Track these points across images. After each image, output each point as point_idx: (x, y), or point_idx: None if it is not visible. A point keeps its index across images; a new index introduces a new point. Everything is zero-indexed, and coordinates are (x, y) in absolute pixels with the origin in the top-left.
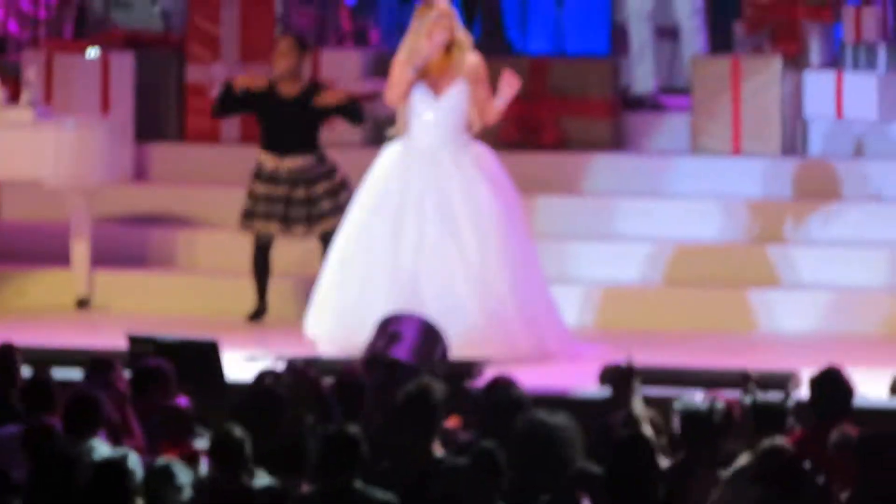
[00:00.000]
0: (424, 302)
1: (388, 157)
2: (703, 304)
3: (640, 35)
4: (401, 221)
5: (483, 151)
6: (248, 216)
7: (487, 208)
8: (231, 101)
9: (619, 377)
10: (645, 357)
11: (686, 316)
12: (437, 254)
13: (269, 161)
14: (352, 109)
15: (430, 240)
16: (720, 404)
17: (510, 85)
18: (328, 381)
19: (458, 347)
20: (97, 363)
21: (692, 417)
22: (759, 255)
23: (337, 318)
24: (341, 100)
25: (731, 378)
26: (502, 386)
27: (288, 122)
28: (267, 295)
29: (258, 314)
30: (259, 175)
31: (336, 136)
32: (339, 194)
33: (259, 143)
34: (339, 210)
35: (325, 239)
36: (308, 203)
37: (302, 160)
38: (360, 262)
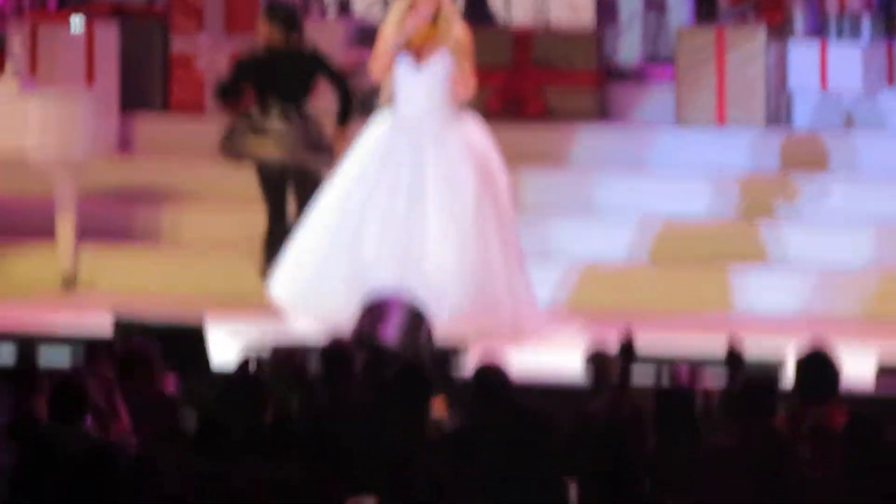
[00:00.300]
0: (383, 281)
1: (374, 129)
2: (689, 282)
3: (629, 5)
4: (374, 196)
5: (470, 125)
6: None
7: (464, 188)
8: (234, 91)
9: (602, 361)
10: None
11: (671, 294)
12: (401, 232)
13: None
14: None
15: (397, 217)
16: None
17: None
18: (313, 364)
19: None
20: (84, 349)
21: (669, 399)
22: (745, 231)
23: (300, 284)
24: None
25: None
26: (489, 373)
27: (279, 74)
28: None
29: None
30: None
31: (319, 107)
32: (320, 148)
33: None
34: (319, 157)
35: (302, 185)
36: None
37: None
38: (330, 232)
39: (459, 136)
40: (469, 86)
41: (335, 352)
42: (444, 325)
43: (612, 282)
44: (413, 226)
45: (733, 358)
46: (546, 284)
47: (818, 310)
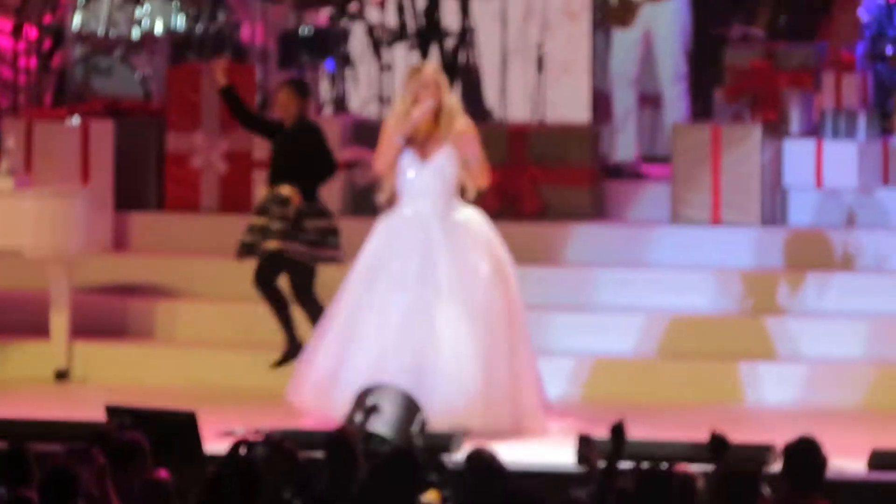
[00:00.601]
0: (400, 374)
1: (380, 228)
2: (686, 376)
3: (624, 102)
4: (386, 292)
5: (475, 215)
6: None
7: (474, 278)
8: (240, 107)
9: (589, 451)
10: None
11: (670, 388)
12: (416, 325)
13: (266, 190)
14: (325, 158)
15: (411, 311)
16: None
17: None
18: (306, 452)
19: (435, 419)
20: (77, 438)
21: (649, 481)
22: (742, 327)
23: (316, 386)
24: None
25: (705, 448)
26: (482, 458)
27: (286, 153)
28: (294, 328)
29: (291, 354)
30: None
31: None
32: (326, 236)
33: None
34: (318, 244)
35: (292, 269)
36: (292, 222)
37: (291, 191)
38: (345, 329)
39: (466, 228)
40: (484, 176)
41: (339, 440)
42: (455, 416)
43: (619, 376)
44: (427, 317)
45: (716, 444)
46: (551, 379)
47: (818, 401)
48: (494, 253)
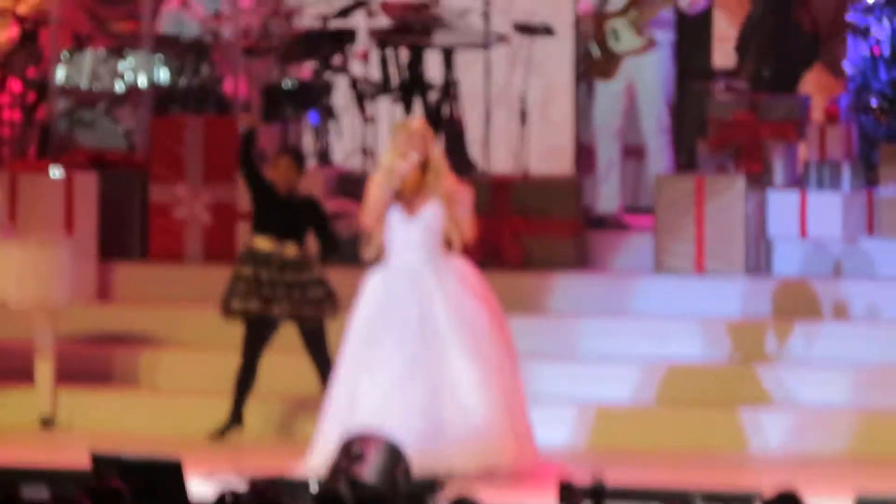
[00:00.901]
0: (409, 422)
1: (371, 285)
2: (669, 424)
3: (607, 153)
4: (390, 345)
5: (463, 264)
6: (227, 299)
7: (474, 322)
8: (252, 158)
9: (572, 499)
10: (615, 476)
11: (656, 435)
12: (422, 374)
13: (266, 244)
14: (328, 235)
15: (415, 361)
16: None
17: (464, 197)
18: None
19: (449, 461)
20: (62, 486)
21: None
22: (739, 375)
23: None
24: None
25: (680, 497)
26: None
27: (285, 217)
28: (244, 405)
29: (232, 424)
30: (249, 258)
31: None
32: (326, 299)
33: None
34: (324, 303)
35: (308, 334)
36: (296, 287)
37: (298, 251)
38: (351, 392)
39: (456, 276)
40: (472, 231)
41: (329, 494)
42: (473, 457)
43: (604, 423)
44: (433, 365)
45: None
46: (542, 426)
47: (807, 448)
48: (484, 295)
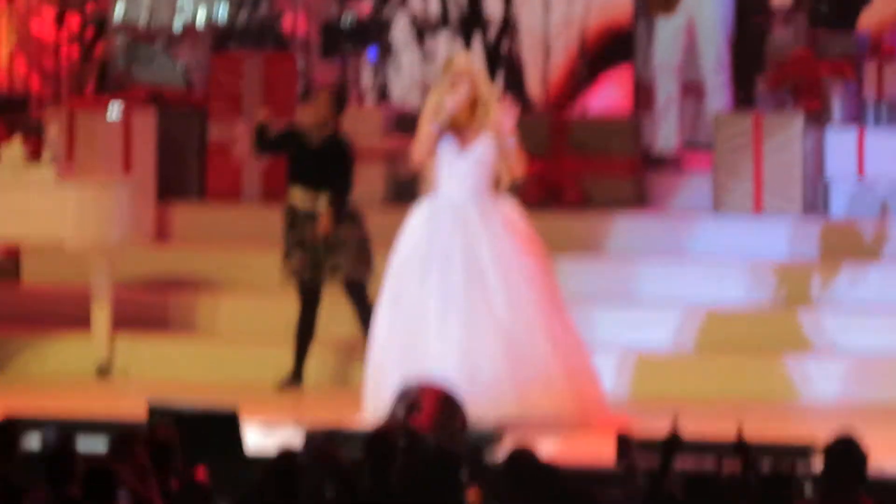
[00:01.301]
0: (452, 362)
1: (416, 216)
2: (730, 371)
3: (666, 90)
4: (427, 280)
5: (511, 209)
6: (283, 261)
7: (517, 264)
8: (267, 141)
9: (630, 451)
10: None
11: (714, 383)
12: (465, 311)
13: (301, 197)
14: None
15: (457, 297)
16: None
17: (509, 115)
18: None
19: (491, 407)
20: (119, 437)
21: (698, 482)
22: (786, 319)
23: (382, 387)
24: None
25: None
26: (523, 456)
27: (315, 166)
28: (304, 363)
29: (293, 381)
30: (291, 216)
31: (356, 193)
32: (363, 245)
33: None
34: (360, 258)
35: (351, 289)
36: (334, 247)
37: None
38: (398, 325)
39: (502, 217)
40: (521, 165)
41: (379, 440)
42: (507, 406)
43: (654, 371)
44: (474, 304)
45: (742, 447)
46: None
47: (858, 396)
48: (531, 242)
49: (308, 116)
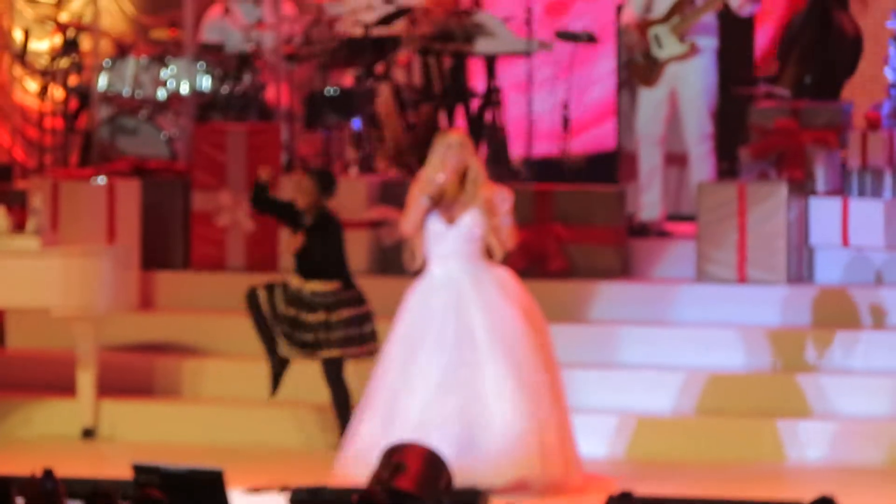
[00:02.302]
0: (446, 433)
1: (410, 296)
2: (712, 434)
3: (650, 161)
4: (427, 356)
5: (504, 274)
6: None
7: (511, 331)
8: (266, 199)
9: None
10: (653, 488)
11: (702, 446)
12: (458, 384)
13: (295, 281)
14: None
15: (452, 370)
16: None
17: (504, 199)
18: None
19: (482, 473)
20: (97, 495)
21: None
22: (771, 384)
23: (361, 455)
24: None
25: None
26: None
27: (307, 248)
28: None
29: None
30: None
31: None
32: (363, 324)
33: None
34: (358, 340)
35: (326, 363)
36: (323, 327)
37: (326, 285)
38: (390, 400)
39: (496, 284)
40: (512, 238)
41: (364, 500)
42: (510, 469)
43: (645, 433)
44: (469, 375)
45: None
46: (580, 436)
47: (847, 459)
48: (525, 305)
49: (299, 203)
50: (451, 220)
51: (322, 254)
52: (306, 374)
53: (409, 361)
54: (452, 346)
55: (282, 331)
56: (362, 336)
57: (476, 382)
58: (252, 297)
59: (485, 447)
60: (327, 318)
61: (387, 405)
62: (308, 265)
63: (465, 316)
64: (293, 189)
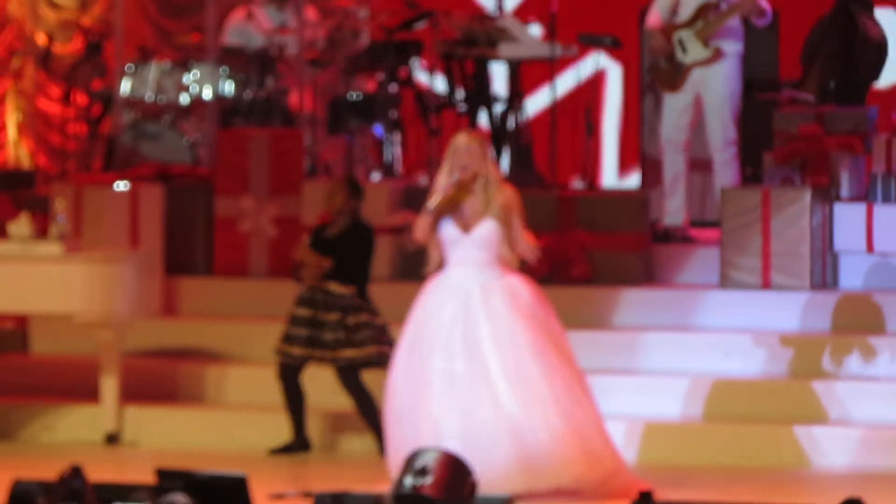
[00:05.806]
0: (451, 439)
1: (424, 296)
2: (735, 440)
3: (673, 167)
4: (430, 358)
5: (517, 282)
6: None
7: (518, 341)
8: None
9: None
10: (670, 494)
11: (720, 452)
12: (465, 390)
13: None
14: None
15: (457, 376)
16: None
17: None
18: None
19: (496, 482)
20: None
21: None
22: (791, 390)
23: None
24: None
25: None
26: None
27: (339, 253)
28: (305, 428)
29: (294, 447)
30: (299, 299)
31: None
32: (381, 332)
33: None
34: (371, 342)
35: (342, 370)
36: (340, 328)
37: (343, 288)
38: (408, 402)
39: (504, 292)
40: (530, 245)
41: None
42: (512, 484)
43: (669, 440)
44: (478, 382)
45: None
46: None
47: (867, 466)
48: (537, 314)
49: (328, 208)
50: (466, 227)
51: (351, 259)
52: (326, 380)
53: (418, 371)
54: (459, 356)
55: (302, 334)
56: (380, 341)
57: (482, 393)
58: (287, 373)
59: (490, 455)
60: (342, 319)
61: (409, 412)
62: (334, 268)
63: (471, 328)
64: (325, 197)
